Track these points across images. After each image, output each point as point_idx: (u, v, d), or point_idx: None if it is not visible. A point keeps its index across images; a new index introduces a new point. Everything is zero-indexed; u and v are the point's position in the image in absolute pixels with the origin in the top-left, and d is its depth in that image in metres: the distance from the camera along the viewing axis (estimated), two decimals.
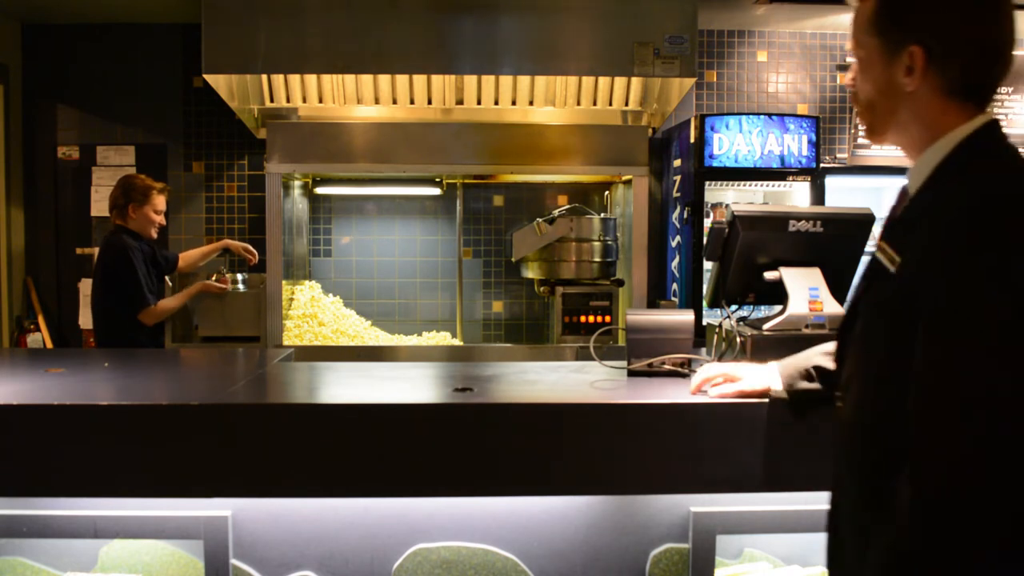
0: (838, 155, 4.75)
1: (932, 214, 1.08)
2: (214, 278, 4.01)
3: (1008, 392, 0.96)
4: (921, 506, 0.98)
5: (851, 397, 1.19)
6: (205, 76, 3.72)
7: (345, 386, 2.01)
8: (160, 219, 3.59)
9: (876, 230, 1.43)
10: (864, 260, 1.45)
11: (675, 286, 4.48)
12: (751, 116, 4.15)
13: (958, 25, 1.10)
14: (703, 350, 2.10)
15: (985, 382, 0.97)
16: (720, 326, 2.01)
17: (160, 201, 3.58)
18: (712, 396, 1.67)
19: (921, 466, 0.99)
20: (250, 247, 3.95)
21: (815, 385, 1.54)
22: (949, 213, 1.05)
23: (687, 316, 1.95)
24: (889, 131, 1.20)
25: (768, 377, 1.64)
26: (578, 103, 3.97)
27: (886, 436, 1.09)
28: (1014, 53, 1.13)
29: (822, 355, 1.54)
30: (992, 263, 0.99)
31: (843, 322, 1.29)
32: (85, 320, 4.50)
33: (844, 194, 4.36)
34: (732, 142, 4.13)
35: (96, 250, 4.40)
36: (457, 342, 4.36)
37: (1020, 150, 1.13)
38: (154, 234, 3.60)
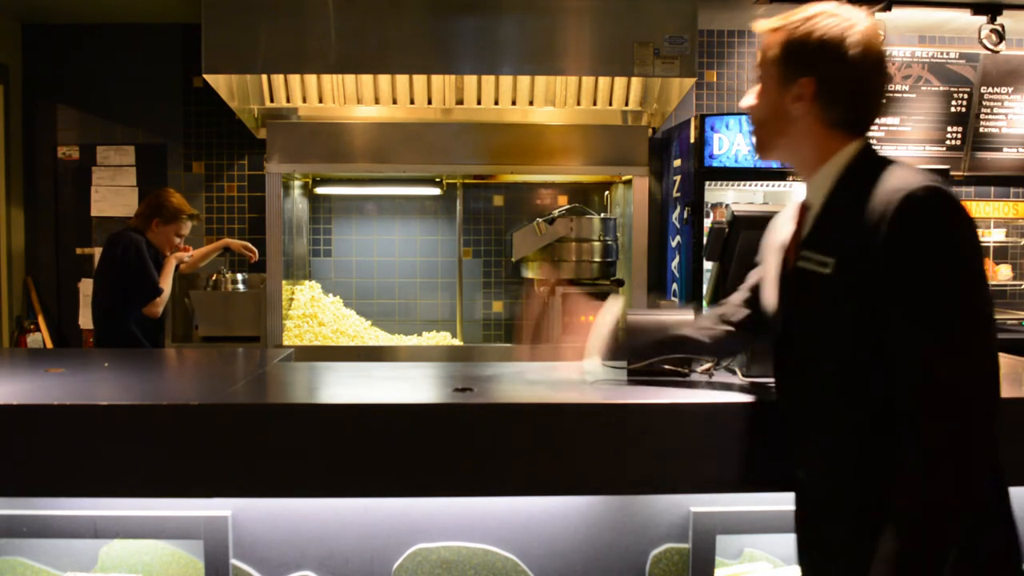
0: None
1: (858, 214, 1.25)
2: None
3: (983, 345, 1.17)
4: (938, 454, 1.15)
5: (816, 386, 1.35)
6: (205, 76, 3.72)
7: (345, 386, 2.01)
8: (179, 243, 3.60)
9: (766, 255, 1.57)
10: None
11: (675, 286, 4.48)
12: None
13: (843, 72, 1.31)
14: None
15: (964, 341, 1.16)
16: None
17: (186, 227, 3.60)
18: None
19: (933, 424, 1.16)
20: (249, 245, 3.96)
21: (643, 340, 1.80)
22: (881, 207, 1.22)
23: (687, 316, 1.95)
24: (776, 149, 1.42)
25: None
26: (578, 103, 3.97)
27: (863, 407, 1.28)
28: (887, 97, 1.36)
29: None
30: (938, 235, 1.19)
31: (780, 334, 1.44)
32: (85, 320, 4.51)
33: None
34: (732, 142, 4.13)
35: (97, 250, 4.41)
36: (457, 342, 4.36)
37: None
38: (169, 253, 3.60)
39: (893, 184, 1.23)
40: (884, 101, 1.36)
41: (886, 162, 1.31)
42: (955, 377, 1.16)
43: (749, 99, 1.44)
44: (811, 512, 1.41)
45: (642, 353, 1.83)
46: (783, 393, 1.47)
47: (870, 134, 1.42)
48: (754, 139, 1.45)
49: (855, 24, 1.32)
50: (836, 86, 1.32)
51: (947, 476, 1.15)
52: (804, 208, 1.41)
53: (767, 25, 1.38)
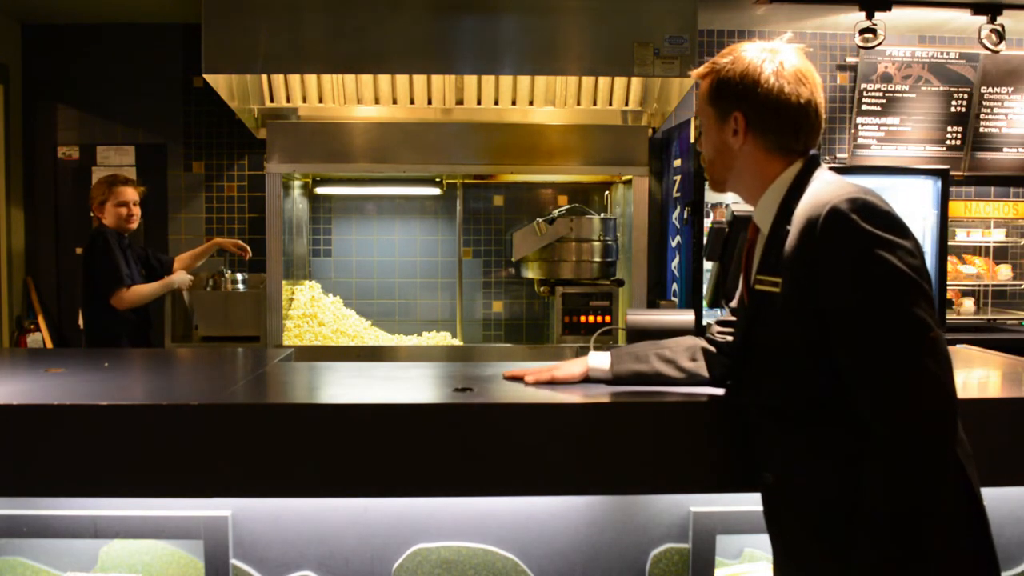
0: (838, 155, 4.76)
1: (795, 230, 1.32)
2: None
3: (924, 345, 1.21)
4: (895, 459, 1.20)
5: (776, 394, 1.41)
6: (205, 76, 3.72)
7: (345, 386, 2.01)
8: (125, 210, 3.56)
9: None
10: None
11: (675, 286, 4.48)
12: None
13: (767, 100, 1.39)
14: None
15: (903, 346, 1.21)
16: None
17: (122, 192, 3.55)
18: (528, 384, 1.76)
19: (886, 431, 1.21)
20: (240, 242, 3.95)
21: (644, 367, 1.71)
22: (812, 221, 1.29)
23: (687, 316, 1.95)
24: (727, 181, 1.49)
25: (596, 360, 1.75)
26: (578, 103, 3.97)
27: (818, 410, 1.33)
28: (822, 118, 1.43)
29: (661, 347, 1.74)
30: (863, 244, 1.24)
31: (739, 353, 1.50)
32: None
33: None
34: None
35: None
36: (457, 342, 4.36)
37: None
38: (130, 226, 3.59)
39: (820, 199, 1.30)
40: (816, 122, 1.43)
41: (817, 176, 1.39)
42: (900, 380, 1.21)
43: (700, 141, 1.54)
44: (777, 514, 1.44)
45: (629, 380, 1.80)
46: (747, 401, 1.51)
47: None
48: (708, 177, 1.53)
49: (775, 53, 1.41)
50: (763, 114, 1.40)
51: (908, 481, 1.19)
52: (755, 231, 1.48)
53: (699, 71, 1.49)
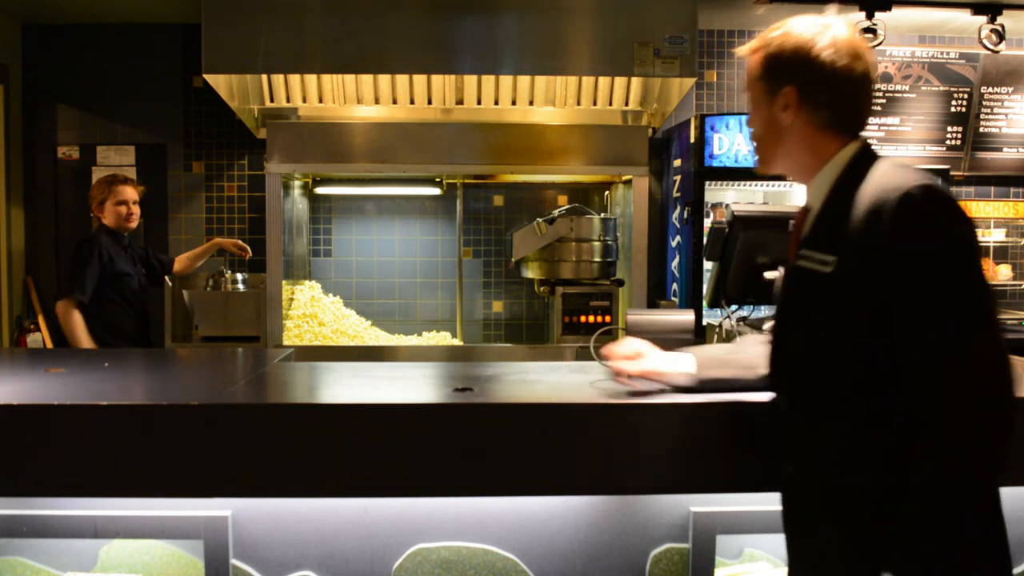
0: None
1: (857, 213, 1.28)
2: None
3: (986, 339, 1.20)
4: (950, 454, 1.19)
5: (811, 381, 1.38)
6: (205, 76, 3.71)
7: (345, 386, 2.01)
8: (125, 209, 3.55)
9: None
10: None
11: (675, 286, 4.48)
12: None
13: (820, 74, 1.36)
14: None
15: (967, 338, 1.20)
16: (720, 326, 2.01)
17: (121, 191, 3.55)
18: (612, 369, 1.69)
19: (944, 420, 1.19)
20: (240, 242, 3.96)
21: (728, 373, 1.65)
22: (879, 206, 1.25)
23: (687, 316, 1.95)
24: (777, 160, 1.46)
25: (682, 362, 1.67)
26: (578, 103, 3.97)
27: (858, 403, 1.30)
28: (873, 94, 1.40)
29: (741, 354, 1.69)
30: (934, 233, 1.22)
31: (775, 330, 1.46)
32: None
33: None
34: (732, 142, 4.13)
35: None
36: (457, 342, 4.36)
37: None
38: (130, 225, 3.59)
39: (891, 183, 1.26)
40: (870, 98, 1.40)
41: (883, 162, 1.35)
42: (962, 374, 1.19)
43: (749, 119, 1.51)
44: (798, 507, 1.43)
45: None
46: (777, 388, 1.49)
47: (869, 135, 1.44)
48: (756, 156, 1.50)
49: (828, 27, 1.37)
50: (817, 89, 1.37)
51: (960, 481, 1.18)
52: (805, 211, 1.45)
53: (747, 48, 1.45)
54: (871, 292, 1.26)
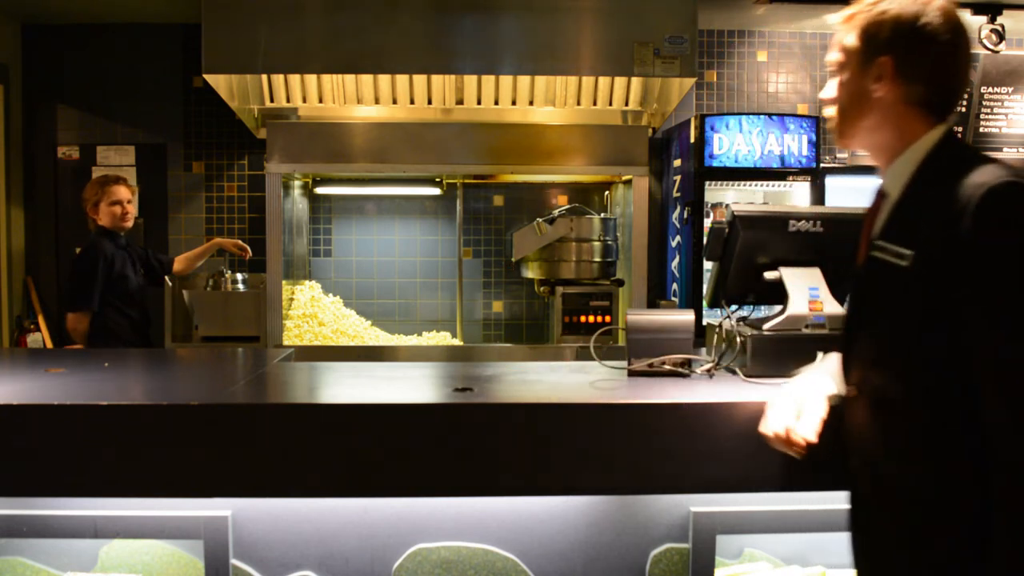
0: (838, 155, 4.75)
1: (940, 206, 1.22)
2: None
3: None
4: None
5: (883, 379, 1.31)
6: (205, 76, 3.72)
7: (345, 386, 2.01)
8: (119, 208, 3.55)
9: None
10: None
11: (675, 286, 4.48)
12: (751, 116, 4.15)
13: (921, 48, 1.30)
14: (703, 350, 2.10)
15: None
16: (720, 326, 2.01)
17: (114, 191, 3.55)
18: (794, 449, 1.46)
19: (1015, 425, 1.13)
20: (240, 242, 3.96)
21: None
22: (963, 201, 1.19)
23: (687, 316, 1.95)
24: (859, 134, 1.39)
25: (821, 386, 1.54)
26: (578, 103, 3.97)
27: (930, 400, 1.24)
28: (969, 77, 1.36)
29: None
30: (1018, 232, 1.15)
31: (846, 326, 1.39)
32: None
33: (844, 194, 4.36)
34: (732, 142, 4.13)
35: None
36: (457, 342, 4.35)
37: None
38: (125, 224, 3.59)
39: (977, 178, 1.20)
40: (967, 79, 1.35)
41: (970, 152, 1.30)
42: None
43: (829, 90, 1.44)
44: (864, 505, 1.38)
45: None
46: (849, 384, 1.42)
47: None
48: (836, 127, 1.43)
49: (931, 1, 1.31)
50: (915, 62, 1.31)
51: None
52: (880, 196, 1.38)
53: (842, 15, 1.39)
54: (948, 289, 1.20)
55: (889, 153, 1.36)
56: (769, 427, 1.49)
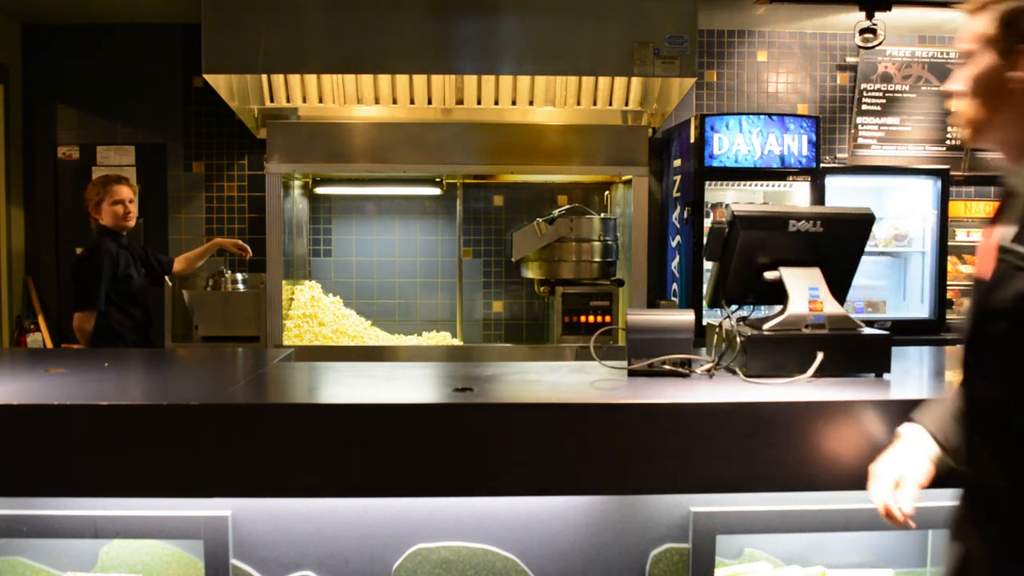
0: (838, 155, 4.75)
1: None
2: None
3: None
4: None
5: (1000, 379, 1.23)
6: (205, 76, 3.72)
7: (345, 386, 2.01)
8: (121, 208, 3.55)
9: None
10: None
11: (675, 286, 4.48)
12: (751, 116, 4.15)
13: None
14: (703, 350, 2.10)
15: None
16: (720, 326, 2.01)
17: (117, 190, 3.55)
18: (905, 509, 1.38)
19: None
20: (240, 242, 3.96)
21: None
22: None
23: (687, 316, 1.95)
24: (993, 128, 1.30)
25: (922, 448, 1.44)
26: (578, 103, 3.97)
27: None
28: None
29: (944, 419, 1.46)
30: None
31: (969, 334, 1.30)
32: None
33: (844, 194, 4.36)
34: (732, 142, 4.13)
35: None
36: (457, 342, 4.36)
37: None
38: (127, 224, 3.58)
39: None
40: None
41: None
42: None
43: (957, 83, 1.36)
44: (967, 520, 1.31)
45: None
46: (967, 388, 1.33)
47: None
48: (966, 121, 1.34)
49: None
50: None
51: None
52: (1008, 196, 1.30)
53: (973, 4, 1.31)
54: None
55: (1021, 150, 1.28)
56: (873, 500, 1.42)
